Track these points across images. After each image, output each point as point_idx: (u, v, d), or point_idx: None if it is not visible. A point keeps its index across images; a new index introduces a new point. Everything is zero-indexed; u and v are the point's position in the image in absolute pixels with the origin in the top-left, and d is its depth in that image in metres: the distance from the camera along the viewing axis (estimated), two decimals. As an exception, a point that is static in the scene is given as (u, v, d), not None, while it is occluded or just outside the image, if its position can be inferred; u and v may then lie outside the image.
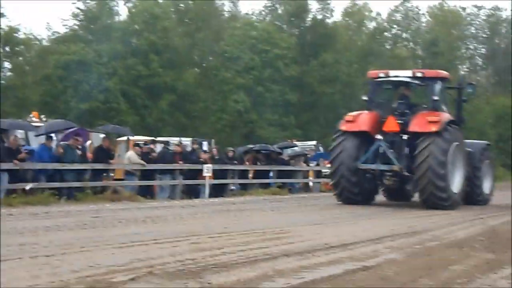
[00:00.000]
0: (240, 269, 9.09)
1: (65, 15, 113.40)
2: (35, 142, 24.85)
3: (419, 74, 24.10)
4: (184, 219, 16.47)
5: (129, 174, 26.10)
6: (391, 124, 23.15)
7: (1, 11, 57.65)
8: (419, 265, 10.15)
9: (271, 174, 31.70)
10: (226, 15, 75.92)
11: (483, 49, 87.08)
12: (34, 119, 29.47)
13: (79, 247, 10.66)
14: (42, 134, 24.10)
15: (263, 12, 74.57)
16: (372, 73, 25.58)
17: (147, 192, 25.70)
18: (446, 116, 23.25)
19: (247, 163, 30.86)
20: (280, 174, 31.57)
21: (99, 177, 24.35)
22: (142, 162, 25.46)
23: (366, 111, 23.99)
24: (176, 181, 26.60)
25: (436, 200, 22.27)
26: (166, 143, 28.78)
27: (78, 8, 63.60)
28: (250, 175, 30.86)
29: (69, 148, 23.14)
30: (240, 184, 29.98)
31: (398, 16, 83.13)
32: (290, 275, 8.85)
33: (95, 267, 8.85)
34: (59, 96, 55.88)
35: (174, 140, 31.88)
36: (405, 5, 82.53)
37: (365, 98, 24.59)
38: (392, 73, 24.64)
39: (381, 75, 24.49)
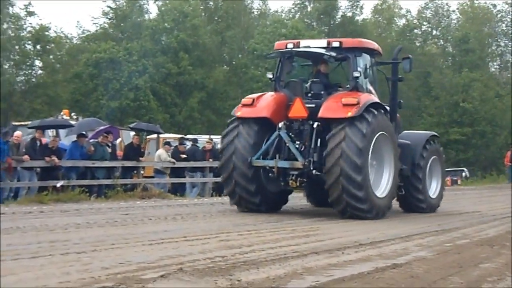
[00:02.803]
0: (269, 267, 9.10)
1: (96, 13, 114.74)
2: (66, 140, 25.10)
3: (335, 44, 18.12)
4: (214, 216, 16.51)
5: (159, 172, 26.24)
6: (298, 109, 17.58)
7: (32, 10, 58.23)
8: (449, 263, 10.09)
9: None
10: (256, 12, 76.11)
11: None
12: (64, 117, 29.69)
13: (110, 244, 10.71)
14: (73, 133, 24.35)
15: (292, 10, 74.77)
16: (279, 44, 19.45)
17: (177, 190, 25.81)
18: (368, 97, 17.43)
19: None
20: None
21: (129, 175, 24.52)
22: (172, 160, 25.58)
23: (270, 93, 18.74)
24: (206, 178, 26.67)
25: (354, 211, 16.72)
26: (195, 140, 28.89)
27: (109, 7, 64.23)
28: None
29: (99, 145, 23.31)
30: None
31: (428, 13, 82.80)
32: (320, 272, 8.85)
33: (126, 264, 8.88)
34: (89, 94, 56.32)
35: (203, 137, 31.99)
36: (435, 2, 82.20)
37: (270, 76, 19.04)
38: (303, 43, 18.92)
39: (290, 46, 18.68)
